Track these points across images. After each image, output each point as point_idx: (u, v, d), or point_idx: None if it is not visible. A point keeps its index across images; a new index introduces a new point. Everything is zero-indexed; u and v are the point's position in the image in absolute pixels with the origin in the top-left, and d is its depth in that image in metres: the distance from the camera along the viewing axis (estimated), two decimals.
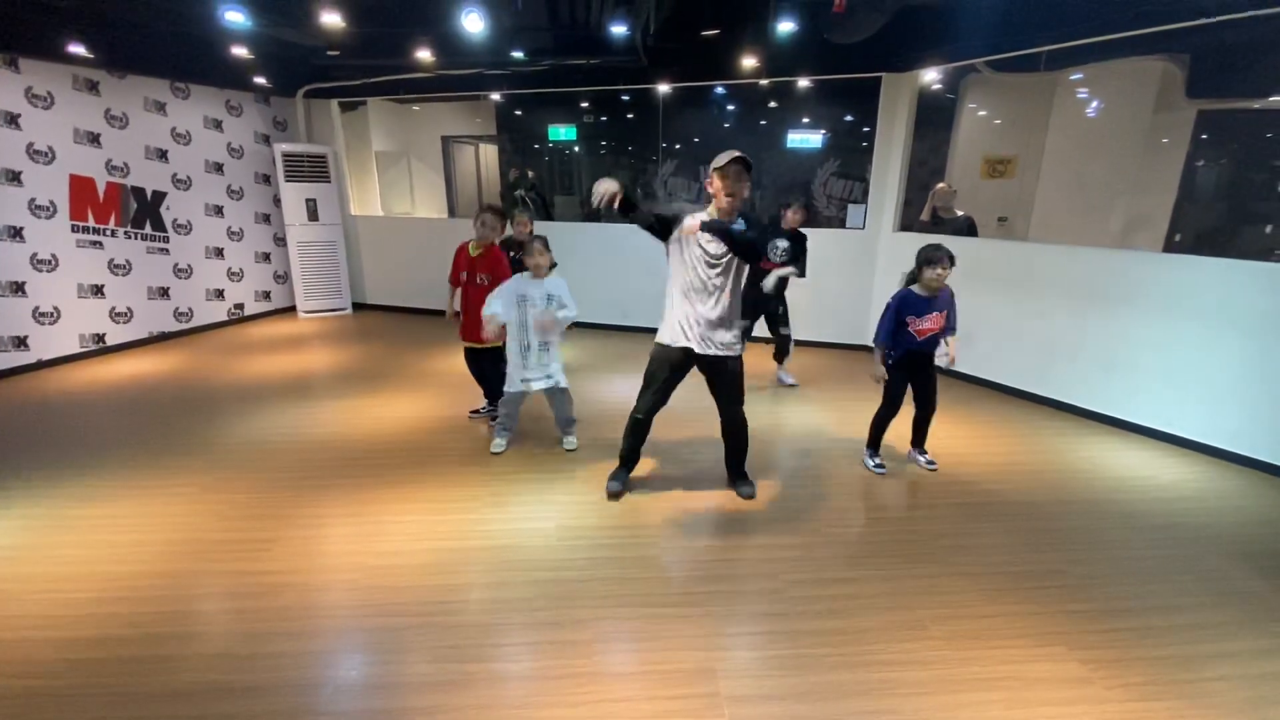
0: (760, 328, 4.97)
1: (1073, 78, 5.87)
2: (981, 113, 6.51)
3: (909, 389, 3.49)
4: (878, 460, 3.59)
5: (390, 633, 2.27)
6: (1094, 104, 5.93)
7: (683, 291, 2.92)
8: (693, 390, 4.88)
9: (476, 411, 4.30)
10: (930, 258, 3.22)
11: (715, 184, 2.78)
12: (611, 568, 2.66)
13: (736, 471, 3.33)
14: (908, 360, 3.40)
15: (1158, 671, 2.12)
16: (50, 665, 2.12)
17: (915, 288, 3.30)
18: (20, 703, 1.98)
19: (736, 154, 2.70)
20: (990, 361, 5.04)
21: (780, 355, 5.05)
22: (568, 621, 2.33)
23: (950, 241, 5.26)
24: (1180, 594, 2.55)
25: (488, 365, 4.01)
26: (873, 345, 3.43)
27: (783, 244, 4.63)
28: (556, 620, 2.34)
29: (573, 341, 6.29)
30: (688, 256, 2.88)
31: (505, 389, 3.60)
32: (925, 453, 3.65)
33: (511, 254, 4.96)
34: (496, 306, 3.43)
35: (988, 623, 2.35)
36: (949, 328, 3.38)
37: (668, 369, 3.04)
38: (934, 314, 3.29)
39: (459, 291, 3.90)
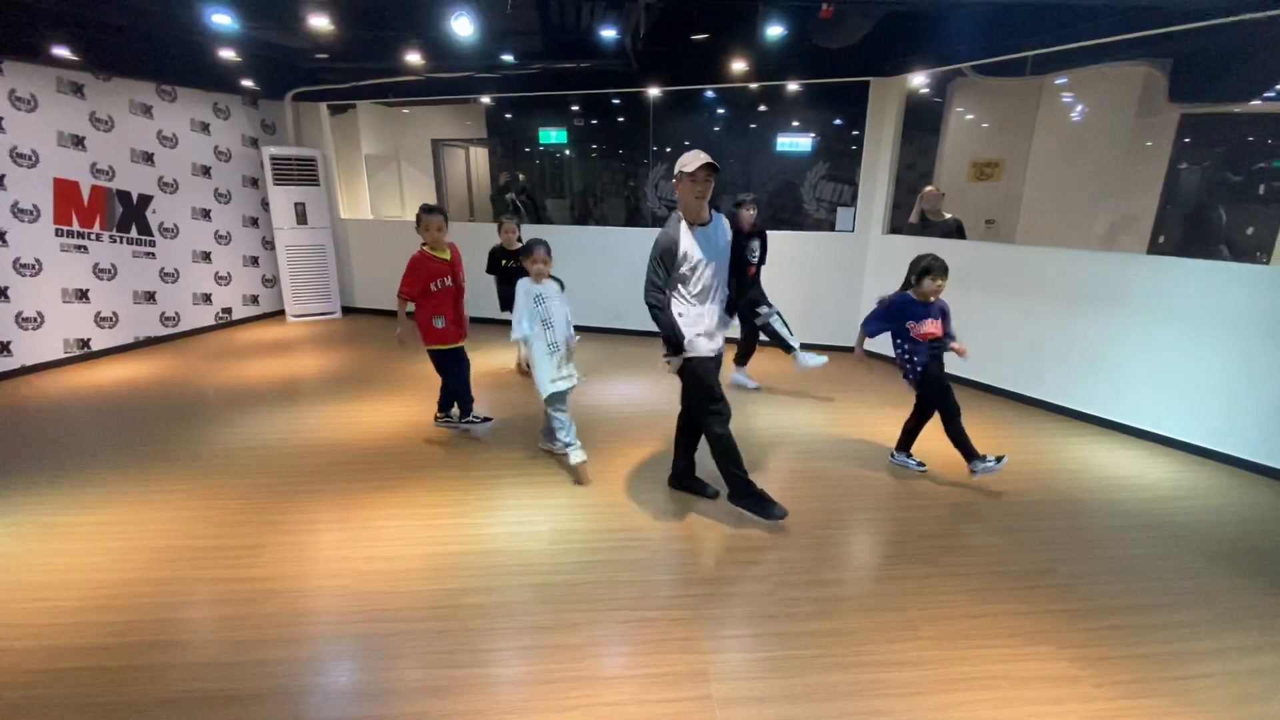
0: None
1: (1058, 82, 5.94)
2: (969, 116, 6.57)
3: (918, 394, 3.51)
4: (915, 460, 3.63)
5: (381, 638, 2.26)
6: (1079, 108, 6.00)
7: (703, 298, 2.94)
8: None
9: (468, 421, 4.13)
10: (930, 267, 3.24)
11: (685, 186, 2.81)
12: (603, 571, 2.66)
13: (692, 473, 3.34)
14: (929, 375, 3.36)
15: (1144, 669, 2.15)
16: (34, 675, 2.10)
17: (912, 293, 3.33)
18: (5, 713, 1.95)
19: (705, 160, 2.74)
20: (979, 363, 5.06)
21: (746, 357, 5.02)
22: (559, 625, 2.33)
23: (938, 244, 5.34)
24: (1166, 592, 2.58)
25: (453, 363, 3.92)
26: (860, 328, 3.47)
27: (755, 244, 4.61)
28: (548, 624, 2.33)
29: None
30: (708, 262, 2.90)
31: (547, 392, 3.43)
32: (912, 456, 3.66)
33: (505, 261, 4.93)
34: (526, 328, 3.36)
35: (977, 622, 2.37)
36: (948, 334, 3.39)
37: (715, 376, 3.05)
38: (931, 319, 3.31)
39: (430, 300, 3.72)
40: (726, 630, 2.32)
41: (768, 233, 4.77)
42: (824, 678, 2.09)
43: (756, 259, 4.62)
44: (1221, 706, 2.00)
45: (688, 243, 2.86)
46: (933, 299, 3.31)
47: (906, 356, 3.39)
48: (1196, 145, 5.51)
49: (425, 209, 3.69)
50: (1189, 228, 5.59)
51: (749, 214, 4.54)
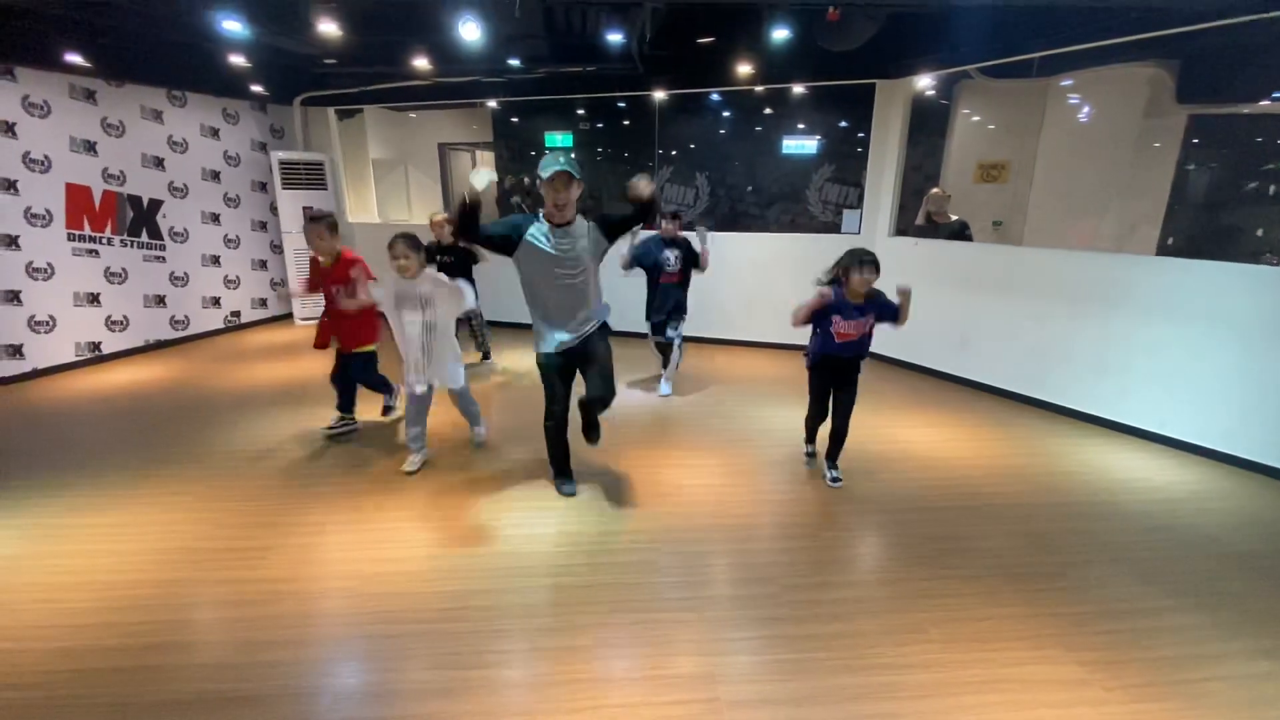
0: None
1: (1064, 83, 5.92)
2: (975, 118, 6.56)
3: (830, 395, 3.41)
4: (810, 449, 3.68)
5: (389, 640, 2.27)
6: (1086, 109, 5.98)
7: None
8: (692, 403, 4.89)
9: (334, 428, 4.05)
10: (861, 259, 3.07)
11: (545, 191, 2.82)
12: (610, 573, 2.66)
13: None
14: (825, 363, 3.32)
15: (1155, 672, 2.13)
16: (46, 676, 2.11)
17: (845, 292, 3.17)
18: (16, 714, 1.97)
19: (559, 167, 2.72)
20: (985, 365, 5.06)
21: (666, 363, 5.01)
22: (567, 627, 2.33)
23: (945, 246, 5.33)
24: (1176, 595, 2.56)
25: (355, 370, 3.92)
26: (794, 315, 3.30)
27: (672, 254, 4.64)
28: (555, 626, 2.34)
29: None
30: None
31: (410, 397, 3.49)
32: (836, 468, 3.49)
33: (439, 257, 4.97)
34: (377, 293, 3.39)
35: (986, 625, 2.36)
36: (888, 310, 3.17)
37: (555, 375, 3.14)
38: (858, 320, 3.17)
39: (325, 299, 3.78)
40: (734, 632, 2.32)
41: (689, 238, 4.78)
42: (833, 680, 2.08)
43: (671, 268, 4.65)
44: (1234, 710, 1.98)
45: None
46: (864, 295, 3.14)
47: (816, 340, 3.32)
48: (1204, 146, 5.48)
49: (307, 218, 3.71)
50: (1197, 229, 5.56)
51: (670, 227, 4.63)
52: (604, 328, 3.10)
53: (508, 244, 2.87)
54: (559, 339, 2.98)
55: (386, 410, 4.19)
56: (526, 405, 4.68)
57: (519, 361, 5.81)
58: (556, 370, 3.07)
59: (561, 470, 3.36)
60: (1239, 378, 3.71)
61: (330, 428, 4.04)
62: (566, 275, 2.91)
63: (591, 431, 3.23)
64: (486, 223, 2.82)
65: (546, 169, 2.73)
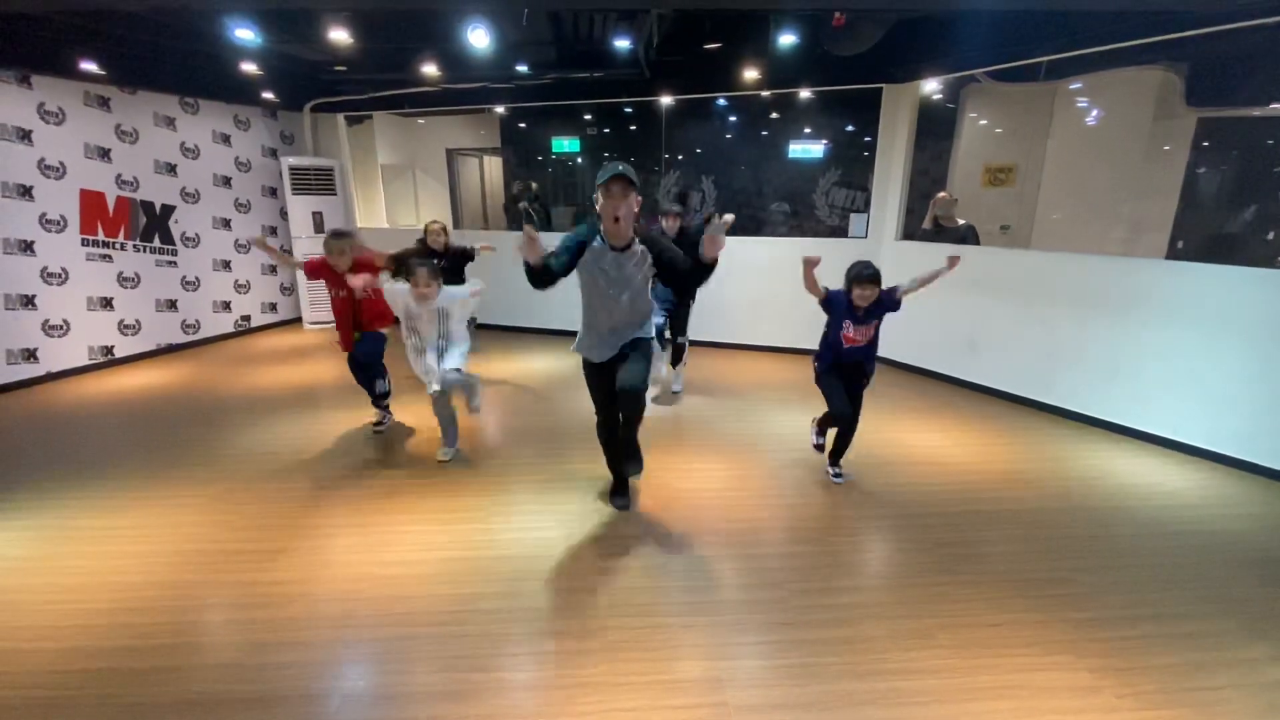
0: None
1: (1072, 87, 5.90)
2: (982, 122, 6.54)
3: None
4: (820, 439, 3.60)
5: (397, 642, 2.28)
6: (1094, 112, 5.96)
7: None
8: (698, 407, 4.90)
9: (381, 425, 4.22)
10: (859, 276, 3.12)
11: (600, 202, 2.58)
12: (617, 577, 2.66)
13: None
14: (834, 368, 3.34)
15: (1167, 680, 2.12)
16: (59, 676, 2.14)
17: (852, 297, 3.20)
18: (30, 714, 1.99)
19: (616, 171, 2.47)
20: (994, 369, 5.04)
21: (675, 360, 4.96)
22: (574, 631, 2.33)
23: (952, 250, 5.31)
24: (1188, 601, 2.54)
25: (367, 345, 3.97)
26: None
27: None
28: (563, 629, 2.34)
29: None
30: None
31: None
32: (839, 467, 3.55)
33: (437, 261, 5.01)
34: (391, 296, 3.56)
35: (995, 631, 2.35)
36: (892, 303, 3.21)
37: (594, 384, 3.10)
38: (864, 326, 3.22)
39: (334, 303, 3.87)
40: (742, 637, 2.31)
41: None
42: (840, 685, 2.08)
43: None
44: (1247, 717, 1.96)
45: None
46: (867, 305, 3.18)
47: (825, 345, 3.36)
48: (1215, 149, 5.45)
49: (329, 235, 3.77)
50: (1208, 232, 5.52)
51: (671, 224, 4.54)
52: (649, 338, 2.95)
53: (574, 262, 2.68)
54: (599, 353, 2.89)
55: (379, 425, 4.19)
56: (527, 408, 4.70)
57: (515, 365, 5.83)
58: (596, 376, 2.96)
59: (616, 478, 3.24)
60: (1250, 382, 3.68)
61: (377, 424, 4.20)
62: (618, 303, 2.76)
63: (631, 462, 3.19)
64: (551, 260, 2.56)
65: (603, 175, 2.50)
